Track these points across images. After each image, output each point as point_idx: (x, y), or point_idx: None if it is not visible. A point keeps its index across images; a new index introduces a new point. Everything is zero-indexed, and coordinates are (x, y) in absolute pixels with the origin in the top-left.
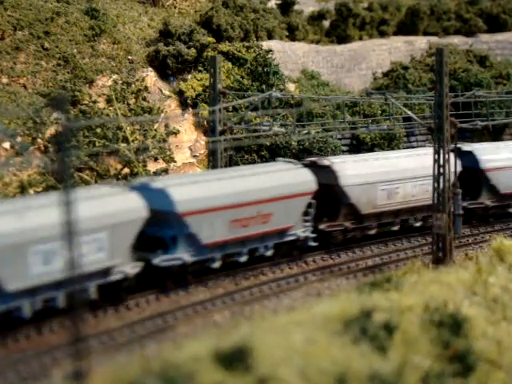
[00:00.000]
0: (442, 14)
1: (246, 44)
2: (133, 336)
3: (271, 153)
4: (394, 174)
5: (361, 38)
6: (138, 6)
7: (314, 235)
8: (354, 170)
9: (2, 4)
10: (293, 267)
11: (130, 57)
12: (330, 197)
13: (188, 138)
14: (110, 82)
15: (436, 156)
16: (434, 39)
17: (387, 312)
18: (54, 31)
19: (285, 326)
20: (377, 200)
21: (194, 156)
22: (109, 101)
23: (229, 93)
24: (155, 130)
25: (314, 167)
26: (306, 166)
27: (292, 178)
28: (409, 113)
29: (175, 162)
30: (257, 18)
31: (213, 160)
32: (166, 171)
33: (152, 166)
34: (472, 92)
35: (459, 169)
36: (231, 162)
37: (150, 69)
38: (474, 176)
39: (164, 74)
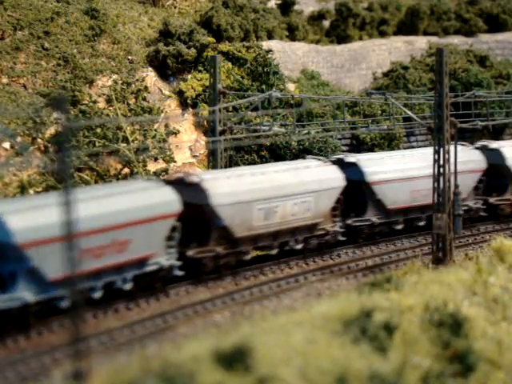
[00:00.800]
0: (442, 14)
1: (246, 44)
2: (133, 336)
3: (271, 153)
4: (271, 190)
5: (361, 38)
6: (138, 5)
7: (179, 263)
8: (227, 188)
9: (2, 4)
10: (293, 267)
11: (129, 57)
12: (198, 219)
13: (188, 138)
14: (109, 82)
15: (436, 156)
16: (434, 39)
17: (387, 312)
18: (54, 31)
19: (285, 326)
20: (253, 221)
21: (194, 156)
22: (109, 101)
23: (229, 93)
24: (155, 130)
25: (180, 185)
26: (169, 183)
27: (152, 199)
28: (409, 113)
29: (175, 162)
30: (257, 18)
31: (213, 160)
32: (166, 171)
33: (152, 166)
34: (472, 92)
35: (343, 183)
36: (231, 162)
37: (150, 69)
38: (359, 190)
39: (164, 74)
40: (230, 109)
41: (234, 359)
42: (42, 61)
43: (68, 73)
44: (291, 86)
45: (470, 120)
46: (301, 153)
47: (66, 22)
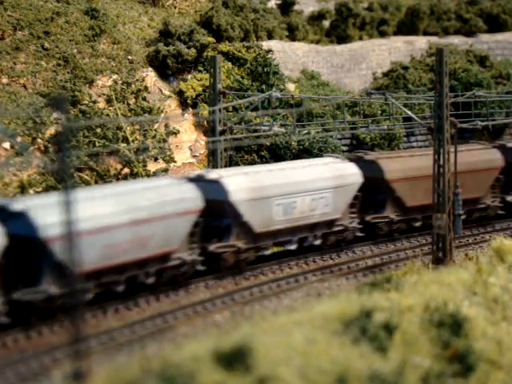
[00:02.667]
0: (442, 14)
1: (246, 44)
2: (133, 336)
3: (271, 153)
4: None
5: (361, 38)
6: (138, 5)
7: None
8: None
9: (2, 4)
10: (293, 267)
11: (129, 57)
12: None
13: (188, 138)
14: (110, 82)
15: (436, 156)
16: (433, 39)
17: (387, 312)
18: (54, 31)
19: (285, 326)
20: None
21: (194, 156)
22: (109, 101)
23: (229, 93)
24: (155, 130)
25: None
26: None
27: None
28: (409, 113)
29: (175, 162)
30: (257, 18)
31: (213, 160)
32: (165, 171)
33: (152, 166)
34: (472, 92)
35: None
36: (231, 162)
37: (150, 69)
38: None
39: (164, 74)
40: (230, 109)
41: (234, 359)
42: (42, 61)
43: (68, 73)
44: (291, 86)
45: (470, 120)
46: (301, 153)
47: (66, 22)
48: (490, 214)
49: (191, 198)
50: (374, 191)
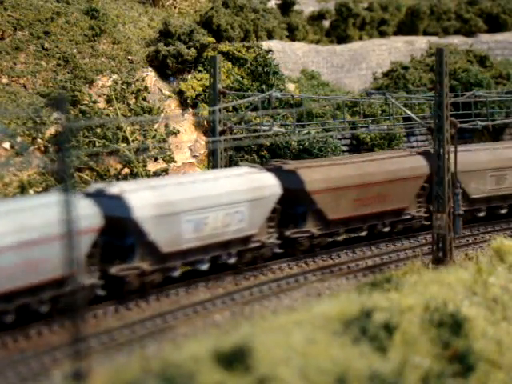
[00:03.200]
0: (442, 14)
1: (246, 44)
2: (133, 336)
3: (271, 153)
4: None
5: (361, 38)
6: (137, 5)
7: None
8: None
9: (2, 4)
10: (293, 267)
11: (129, 57)
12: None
13: (188, 138)
14: (109, 82)
15: (436, 156)
16: (433, 39)
17: (387, 312)
18: (54, 31)
19: (285, 325)
20: None
21: (194, 156)
22: (109, 101)
23: (229, 93)
24: (155, 130)
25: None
26: (269, 170)
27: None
28: (409, 113)
29: (175, 162)
30: (257, 18)
31: (213, 160)
32: (166, 171)
33: (152, 166)
34: (472, 92)
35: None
36: (231, 162)
37: (150, 69)
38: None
39: (164, 74)
40: (230, 109)
41: (234, 359)
42: (42, 61)
43: (68, 73)
44: (291, 86)
45: (470, 120)
46: (301, 153)
47: (66, 21)
48: (415, 225)
49: (88, 216)
50: (293, 203)
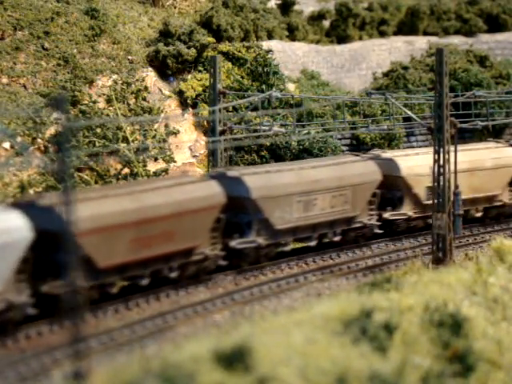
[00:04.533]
0: (442, 14)
1: (246, 44)
2: (133, 336)
3: (271, 153)
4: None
5: (361, 38)
6: (137, 5)
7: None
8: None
9: (2, 4)
10: (293, 267)
11: (129, 57)
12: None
13: (188, 138)
14: (109, 82)
15: (436, 156)
16: (433, 39)
17: (387, 312)
18: (54, 31)
19: (285, 325)
20: None
21: (194, 156)
22: (109, 101)
23: (229, 93)
24: (155, 130)
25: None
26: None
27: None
28: (409, 113)
29: (175, 162)
30: (257, 18)
31: (213, 160)
32: (166, 171)
33: (152, 166)
34: (472, 92)
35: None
36: (231, 162)
37: (150, 69)
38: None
39: (164, 74)
40: (230, 109)
41: (234, 359)
42: (41, 61)
43: (68, 73)
44: (291, 86)
45: (470, 120)
46: (301, 153)
47: (66, 22)
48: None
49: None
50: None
